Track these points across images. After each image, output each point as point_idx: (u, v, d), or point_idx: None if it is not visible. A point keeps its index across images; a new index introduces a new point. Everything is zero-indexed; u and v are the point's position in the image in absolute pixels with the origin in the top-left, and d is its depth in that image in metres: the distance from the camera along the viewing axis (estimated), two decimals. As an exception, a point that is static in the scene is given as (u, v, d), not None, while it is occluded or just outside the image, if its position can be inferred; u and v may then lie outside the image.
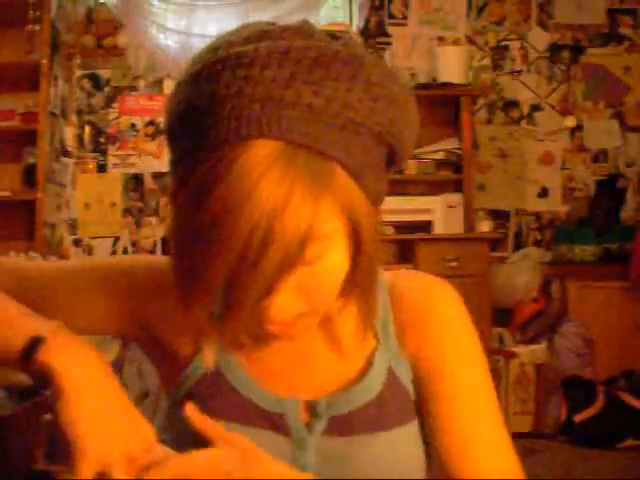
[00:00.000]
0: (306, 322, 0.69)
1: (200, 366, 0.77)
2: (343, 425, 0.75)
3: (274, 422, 0.75)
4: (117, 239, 4.19)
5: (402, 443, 0.76)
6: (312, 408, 0.76)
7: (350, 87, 0.62)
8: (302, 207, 0.60)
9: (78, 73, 4.21)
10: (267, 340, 0.75)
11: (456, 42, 4.21)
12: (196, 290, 0.64)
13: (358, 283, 0.69)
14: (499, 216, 4.19)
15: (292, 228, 0.59)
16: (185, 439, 0.66)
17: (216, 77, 0.61)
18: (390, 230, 3.52)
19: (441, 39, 4.24)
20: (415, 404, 0.78)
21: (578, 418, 3.34)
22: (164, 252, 4.17)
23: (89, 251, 4.17)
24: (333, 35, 0.66)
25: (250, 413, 0.75)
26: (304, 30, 0.65)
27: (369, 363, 0.77)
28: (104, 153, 4.21)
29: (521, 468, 0.77)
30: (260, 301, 0.63)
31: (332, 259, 0.64)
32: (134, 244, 4.19)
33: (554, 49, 4.26)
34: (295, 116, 0.60)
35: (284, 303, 0.65)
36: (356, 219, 0.64)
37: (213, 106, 0.61)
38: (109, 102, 4.22)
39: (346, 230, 0.65)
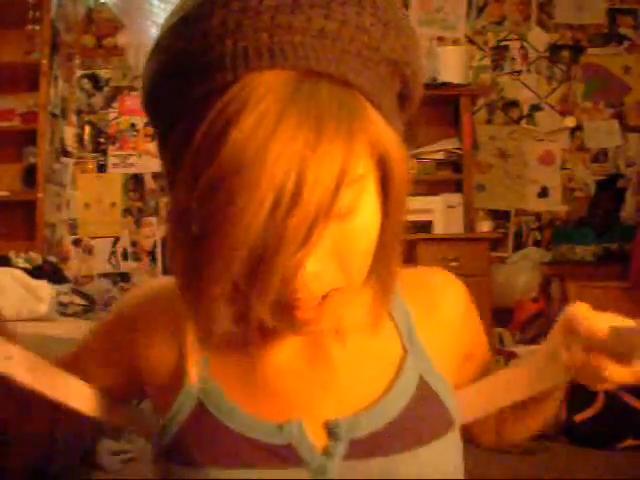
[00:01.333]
0: (337, 303, 0.59)
1: (184, 404, 0.68)
2: (367, 448, 0.67)
3: (280, 455, 0.65)
4: (117, 239, 4.19)
5: (443, 456, 0.69)
6: (332, 429, 0.67)
7: (359, 11, 0.54)
8: (334, 144, 0.51)
9: (78, 73, 4.21)
10: (274, 344, 0.68)
11: (456, 42, 4.21)
12: (217, 262, 0.52)
13: (385, 250, 0.60)
14: (499, 216, 4.19)
15: (326, 168, 0.50)
16: None
17: (207, 18, 0.52)
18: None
19: (441, 39, 4.24)
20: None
21: (578, 418, 3.34)
22: (164, 252, 4.17)
23: (89, 251, 4.17)
24: None
25: (247, 452, 0.65)
26: None
27: (397, 373, 0.70)
28: (104, 153, 4.22)
29: None
30: (292, 267, 0.53)
31: (365, 213, 0.56)
32: (134, 244, 4.19)
33: (554, 49, 4.26)
34: (309, 42, 0.52)
35: (318, 269, 0.55)
36: (387, 157, 0.56)
37: (209, 47, 0.52)
38: (109, 102, 4.22)
39: (376, 175, 0.57)
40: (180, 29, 0.54)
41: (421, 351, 0.72)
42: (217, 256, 0.52)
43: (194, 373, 0.69)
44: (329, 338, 0.70)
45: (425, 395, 0.70)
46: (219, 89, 0.52)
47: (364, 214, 0.56)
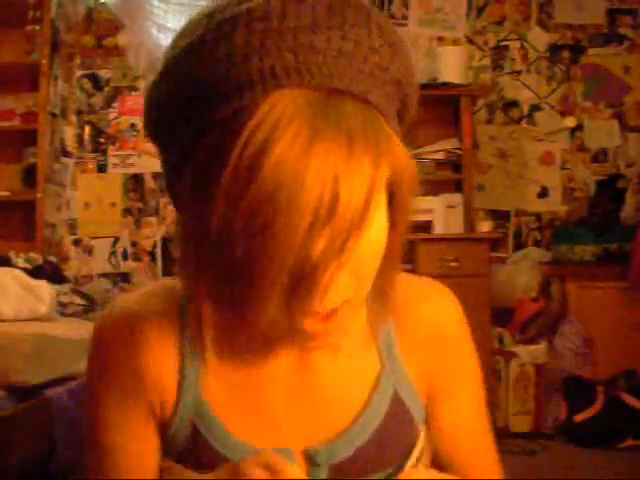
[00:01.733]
0: (346, 316, 0.60)
1: (180, 429, 0.69)
2: (346, 470, 0.69)
3: None
4: (117, 239, 4.19)
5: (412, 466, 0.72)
6: (311, 457, 0.69)
7: (368, 33, 0.56)
8: (364, 160, 0.53)
9: (78, 73, 4.21)
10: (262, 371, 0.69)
11: (456, 42, 4.21)
12: (261, 275, 0.54)
13: (387, 262, 0.60)
14: (499, 216, 4.19)
15: (357, 183, 0.52)
16: None
17: (229, 36, 0.53)
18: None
19: (441, 39, 4.24)
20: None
21: (578, 418, 3.34)
22: (164, 252, 4.17)
23: (89, 251, 4.17)
24: None
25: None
26: None
27: (373, 390, 0.71)
28: (104, 153, 4.22)
29: (500, 467, 0.82)
30: (326, 279, 0.54)
31: (377, 225, 0.57)
32: (134, 244, 4.19)
33: (554, 49, 4.26)
34: (329, 62, 0.54)
35: (341, 283, 0.56)
36: (400, 172, 0.58)
37: (234, 66, 0.53)
38: (109, 102, 4.22)
39: (387, 189, 0.58)
40: (198, 50, 0.55)
41: (398, 364, 0.73)
42: (261, 272, 0.53)
43: (188, 397, 0.69)
44: (317, 356, 0.71)
45: (397, 411, 0.72)
46: (247, 107, 0.53)
47: (377, 226, 0.57)
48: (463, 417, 0.78)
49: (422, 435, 0.75)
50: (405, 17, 4.27)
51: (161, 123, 0.60)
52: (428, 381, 0.75)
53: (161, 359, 0.69)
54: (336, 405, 0.71)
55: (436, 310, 0.75)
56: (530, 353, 3.58)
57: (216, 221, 0.53)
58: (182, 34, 0.59)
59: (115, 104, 4.22)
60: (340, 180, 0.52)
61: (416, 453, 0.74)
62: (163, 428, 0.71)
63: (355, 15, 0.56)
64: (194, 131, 0.56)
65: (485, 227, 3.92)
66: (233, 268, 0.55)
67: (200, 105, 0.55)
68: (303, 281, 0.55)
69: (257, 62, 0.53)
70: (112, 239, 4.19)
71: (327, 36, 0.54)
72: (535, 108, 4.24)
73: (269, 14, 0.54)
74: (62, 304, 2.95)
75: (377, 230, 0.57)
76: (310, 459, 0.69)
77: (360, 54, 0.56)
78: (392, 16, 4.26)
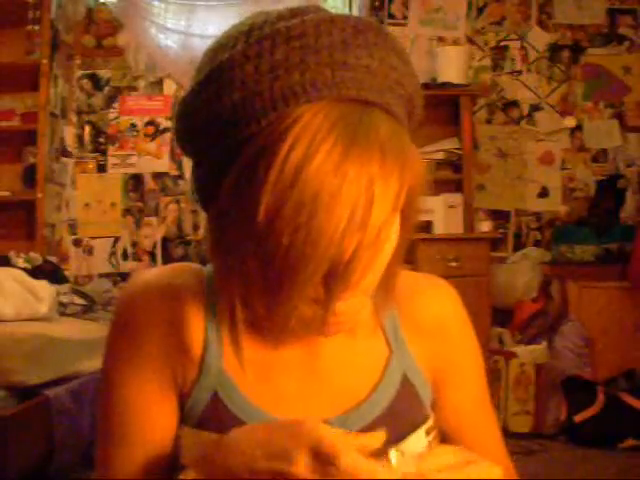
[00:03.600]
0: (359, 307, 0.67)
1: (200, 398, 0.73)
2: None
3: None
4: (117, 239, 4.19)
5: (418, 447, 0.75)
6: None
7: (387, 52, 0.63)
8: (395, 169, 0.59)
9: (78, 73, 4.21)
10: (278, 352, 0.74)
11: (456, 42, 4.21)
12: (301, 270, 0.59)
13: (393, 260, 0.66)
14: (499, 216, 4.19)
15: (389, 190, 0.59)
16: None
17: (270, 51, 0.60)
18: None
19: (441, 39, 4.24)
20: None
21: (578, 418, 3.34)
22: (164, 252, 4.17)
23: (89, 251, 4.17)
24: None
25: None
26: (313, 7, 0.66)
27: (383, 372, 0.77)
28: (104, 153, 4.21)
29: (506, 453, 0.87)
30: (354, 275, 0.61)
31: (393, 228, 0.64)
32: (134, 244, 4.19)
33: (554, 49, 4.26)
34: (360, 77, 0.61)
35: (368, 279, 0.64)
36: (416, 181, 0.63)
37: (277, 78, 0.59)
38: (109, 102, 4.22)
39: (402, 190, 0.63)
40: (241, 63, 0.60)
41: (405, 350, 0.78)
42: (302, 263, 0.59)
43: (212, 364, 0.73)
44: (331, 339, 0.74)
45: (407, 392, 0.77)
46: (291, 114, 0.59)
47: (393, 227, 0.64)
48: (467, 403, 0.83)
49: (431, 418, 0.79)
50: (405, 17, 4.27)
51: (202, 129, 0.63)
52: (433, 368, 0.80)
53: (188, 328, 0.73)
54: (348, 384, 0.76)
55: (436, 302, 0.81)
56: (530, 353, 3.58)
57: (263, 216, 0.58)
58: (219, 47, 0.64)
59: (115, 104, 4.22)
60: (374, 187, 0.57)
61: (424, 428, 0.77)
62: (182, 397, 0.74)
63: (376, 36, 0.63)
64: (241, 134, 0.61)
65: (485, 227, 3.92)
66: (272, 259, 0.60)
67: (247, 112, 0.60)
68: (337, 276, 0.60)
69: (298, 75, 0.59)
70: (112, 239, 4.19)
71: (356, 54, 0.61)
72: (535, 108, 4.25)
73: (306, 32, 0.60)
74: (62, 304, 2.95)
75: (391, 234, 0.63)
76: None
77: (383, 71, 0.62)
78: (392, 16, 4.26)
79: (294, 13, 0.64)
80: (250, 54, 0.60)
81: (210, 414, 0.72)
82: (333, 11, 0.67)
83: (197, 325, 0.74)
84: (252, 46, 0.60)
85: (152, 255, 4.19)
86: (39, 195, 3.71)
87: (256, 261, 0.61)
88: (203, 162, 0.66)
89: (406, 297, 0.78)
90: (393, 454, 0.64)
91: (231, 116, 0.60)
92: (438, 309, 0.81)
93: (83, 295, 3.22)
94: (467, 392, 0.83)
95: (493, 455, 0.81)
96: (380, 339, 0.78)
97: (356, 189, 0.57)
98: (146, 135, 4.22)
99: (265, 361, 0.74)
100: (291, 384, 0.75)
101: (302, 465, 0.60)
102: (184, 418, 0.74)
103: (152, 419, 0.74)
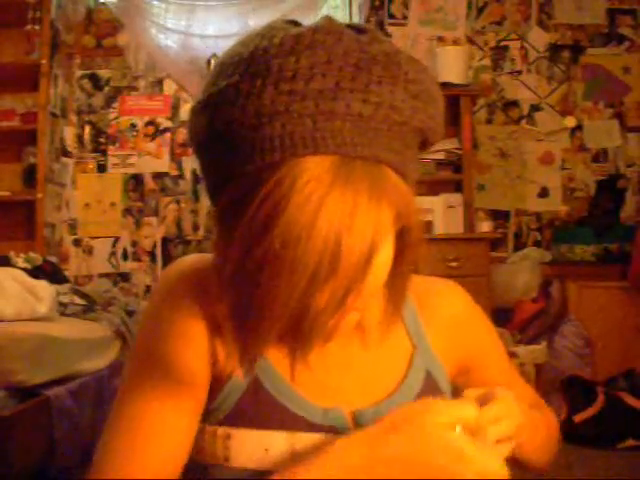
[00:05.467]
0: (352, 320, 0.69)
1: (239, 384, 0.73)
2: None
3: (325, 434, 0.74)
4: (117, 239, 4.19)
5: None
6: (357, 418, 0.75)
7: (392, 89, 0.62)
8: (366, 221, 0.59)
9: (78, 73, 4.21)
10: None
11: (456, 42, 4.20)
12: (263, 317, 0.62)
13: (398, 275, 0.69)
14: (499, 216, 4.19)
15: (360, 243, 0.59)
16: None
17: (258, 93, 0.60)
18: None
19: (441, 39, 4.24)
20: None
21: (578, 418, 3.34)
22: (164, 252, 4.17)
23: (89, 251, 4.17)
24: (357, 28, 0.65)
25: (299, 426, 0.73)
26: (333, 30, 0.63)
27: (408, 367, 0.80)
28: (104, 153, 4.21)
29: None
30: (332, 313, 0.64)
31: (383, 253, 0.64)
32: (134, 244, 4.19)
33: (554, 49, 4.26)
34: (347, 127, 0.60)
35: (345, 322, 0.67)
36: (407, 215, 0.64)
37: (260, 125, 0.60)
38: (109, 102, 4.22)
39: (395, 225, 0.64)
40: (231, 100, 0.61)
41: (427, 348, 0.82)
42: (264, 314, 0.61)
43: None
44: (355, 337, 0.78)
45: (431, 388, 0.79)
46: (267, 167, 0.60)
47: (382, 254, 0.63)
48: (498, 377, 0.88)
49: None
50: (405, 17, 4.27)
51: (198, 145, 0.67)
52: (457, 359, 0.85)
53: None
54: (376, 379, 0.78)
55: (451, 300, 0.86)
56: (530, 353, 3.58)
57: (231, 263, 0.61)
58: (224, 68, 0.64)
59: (115, 104, 4.22)
60: (342, 239, 0.58)
61: None
62: (218, 381, 0.73)
63: (382, 71, 0.61)
64: (222, 173, 0.63)
65: (485, 227, 3.92)
66: (245, 298, 0.63)
67: (229, 154, 0.62)
68: (304, 327, 0.63)
69: (279, 126, 0.59)
70: (112, 239, 4.19)
71: (347, 102, 0.60)
72: (535, 108, 4.25)
73: (296, 75, 0.59)
74: (62, 304, 2.95)
75: (383, 258, 0.64)
76: (357, 420, 0.75)
77: (380, 115, 0.61)
78: (392, 16, 4.26)
79: (298, 41, 0.61)
80: (242, 91, 0.60)
81: (249, 399, 0.73)
82: (340, 18, 0.65)
83: None
84: (245, 81, 0.61)
85: (152, 255, 4.19)
86: (39, 195, 3.72)
87: (233, 285, 0.64)
88: (204, 173, 0.68)
89: (424, 298, 0.83)
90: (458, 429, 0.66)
91: (218, 149, 0.63)
92: (453, 306, 0.85)
93: (83, 295, 3.22)
94: (495, 369, 0.89)
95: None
96: (404, 337, 0.81)
97: (323, 241, 0.58)
98: (146, 135, 4.22)
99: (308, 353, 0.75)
100: (328, 374, 0.77)
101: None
102: (220, 403, 0.73)
103: (172, 413, 0.72)
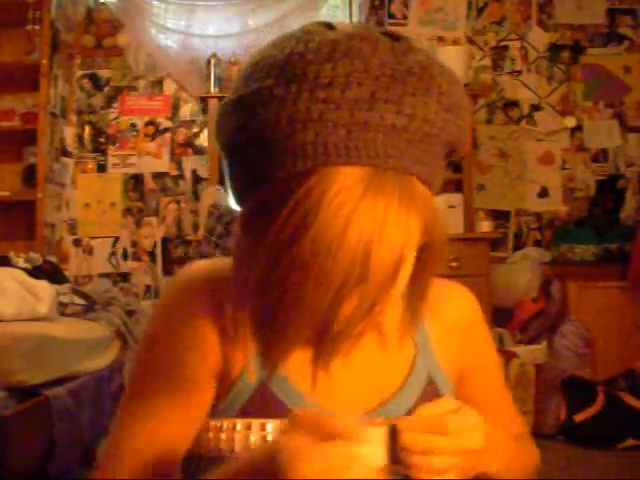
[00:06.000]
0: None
1: (247, 385, 0.74)
2: None
3: None
4: (117, 239, 4.19)
5: None
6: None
7: (426, 101, 0.62)
8: (396, 231, 0.60)
9: (78, 73, 4.21)
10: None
11: (456, 42, 4.21)
12: (289, 324, 0.63)
13: (419, 284, 0.70)
14: (499, 216, 4.19)
15: (389, 253, 0.60)
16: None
17: (294, 99, 0.59)
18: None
19: (441, 39, 4.24)
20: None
21: (578, 418, 3.34)
22: (164, 252, 4.17)
23: (89, 251, 4.17)
24: (393, 36, 0.65)
25: None
26: (370, 37, 0.62)
27: (410, 370, 0.80)
28: (104, 153, 4.21)
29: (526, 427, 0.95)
30: (360, 321, 0.64)
31: (408, 264, 0.65)
32: (134, 244, 4.19)
33: (554, 49, 4.26)
34: (380, 139, 0.60)
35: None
36: (433, 227, 0.65)
37: (294, 132, 0.59)
38: (109, 102, 4.22)
39: (422, 236, 0.65)
40: (266, 102, 0.60)
41: (431, 352, 0.81)
42: (289, 321, 0.62)
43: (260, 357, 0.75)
44: (366, 342, 0.77)
45: (432, 392, 0.79)
46: (298, 174, 0.60)
47: (407, 264, 0.64)
48: (490, 392, 0.88)
49: None
50: (405, 17, 4.27)
51: (226, 144, 0.66)
52: (459, 366, 0.84)
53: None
54: (378, 382, 0.78)
55: (459, 306, 0.86)
56: (530, 353, 3.58)
57: (258, 269, 0.62)
58: (257, 69, 0.63)
59: (115, 104, 4.22)
60: (372, 250, 0.59)
61: None
62: (225, 384, 0.74)
63: (417, 83, 0.61)
64: (251, 177, 0.63)
65: (485, 227, 3.92)
66: (271, 304, 0.63)
67: (260, 158, 0.61)
68: (330, 334, 0.63)
69: (312, 135, 0.59)
70: (112, 239, 4.19)
71: (381, 113, 0.59)
72: (535, 108, 4.25)
73: (333, 83, 0.59)
74: (62, 304, 2.95)
75: (406, 271, 0.65)
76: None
77: (413, 126, 0.61)
78: (392, 16, 4.26)
79: (335, 47, 0.61)
80: (276, 96, 0.60)
81: (256, 400, 0.73)
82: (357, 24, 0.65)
83: None
84: (280, 85, 0.60)
85: (152, 255, 4.19)
86: (39, 195, 3.71)
87: (257, 295, 0.64)
88: (230, 175, 0.68)
89: (432, 302, 0.81)
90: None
91: (248, 153, 0.63)
92: (461, 312, 0.85)
93: (83, 295, 3.22)
94: (488, 387, 0.88)
95: (514, 428, 0.89)
96: (409, 343, 0.81)
97: (352, 252, 0.58)
98: (146, 135, 4.22)
99: (308, 354, 0.74)
100: (332, 376, 0.76)
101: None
102: (226, 406, 0.74)
103: (181, 405, 0.74)
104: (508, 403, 0.92)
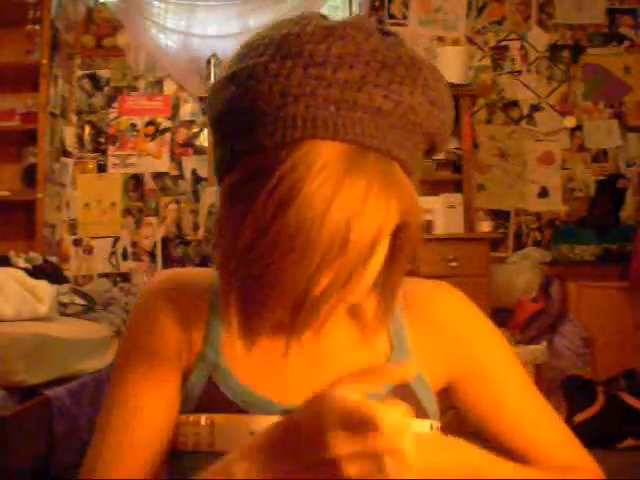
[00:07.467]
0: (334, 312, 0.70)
1: (197, 382, 0.77)
2: None
3: None
4: (117, 239, 4.19)
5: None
6: None
7: (412, 90, 0.64)
8: (376, 209, 0.62)
9: (78, 73, 4.21)
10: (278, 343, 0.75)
11: (456, 42, 4.21)
12: (269, 297, 0.64)
13: (392, 273, 0.70)
14: (499, 216, 4.19)
15: (368, 229, 0.62)
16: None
17: (287, 74, 0.62)
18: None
19: (441, 39, 4.24)
20: (446, 402, 0.82)
21: (578, 418, 3.34)
22: (164, 252, 4.17)
23: (89, 251, 4.17)
24: (385, 31, 0.67)
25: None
26: (364, 27, 0.65)
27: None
28: (104, 153, 4.22)
29: (571, 434, 0.86)
30: (332, 297, 0.65)
31: (384, 246, 0.66)
32: (134, 244, 4.19)
33: (554, 49, 4.26)
34: (366, 119, 0.62)
35: (339, 310, 0.69)
36: (411, 211, 0.66)
37: (285, 104, 0.62)
38: (109, 102, 4.22)
39: (400, 218, 0.66)
40: (260, 77, 0.63)
41: (406, 350, 0.80)
42: (269, 293, 0.63)
43: (209, 355, 0.78)
44: (332, 338, 0.78)
45: (402, 391, 0.76)
46: (285, 144, 0.62)
47: (383, 244, 0.66)
48: (506, 394, 0.83)
49: (435, 419, 0.81)
50: (405, 17, 4.27)
51: (219, 120, 0.68)
52: (445, 370, 0.82)
53: (192, 319, 0.79)
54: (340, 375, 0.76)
55: (446, 306, 0.84)
56: (530, 353, 3.57)
57: (243, 239, 0.63)
58: (253, 47, 0.66)
59: (115, 104, 4.22)
60: (352, 225, 0.60)
61: (427, 422, 0.79)
62: (183, 381, 0.78)
63: (405, 72, 0.64)
64: (245, 143, 0.64)
65: (485, 227, 3.92)
66: (253, 276, 0.64)
67: (252, 126, 0.63)
68: (304, 310, 0.64)
69: (303, 107, 0.61)
70: (112, 239, 4.19)
71: (370, 95, 0.62)
72: (535, 108, 4.25)
73: (326, 62, 0.62)
74: (62, 304, 2.95)
75: (381, 252, 0.66)
76: None
77: (398, 112, 0.64)
78: (392, 16, 4.26)
79: (331, 32, 0.64)
80: (271, 71, 0.62)
81: (206, 398, 0.76)
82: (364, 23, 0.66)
83: (199, 322, 0.79)
84: (275, 61, 0.63)
85: (152, 255, 4.19)
86: (39, 195, 3.72)
87: (242, 265, 0.65)
88: (218, 146, 0.69)
89: (411, 299, 0.82)
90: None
91: (240, 123, 0.64)
92: (449, 312, 0.83)
93: (83, 295, 3.22)
94: (503, 384, 0.84)
95: (551, 443, 0.82)
96: (383, 338, 0.80)
97: (335, 226, 0.60)
98: (146, 135, 4.22)
99: (267, 349, 0.76)
100: (292, 371, 0.77)
101: (338, 446, 0.55)
102: (182, 405, 0.77)
103: (152, 406, 0.77)
104: (534, 408, 0.85)
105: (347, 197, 0.60)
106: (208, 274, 0.83)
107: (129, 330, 0.82)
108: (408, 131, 0.65)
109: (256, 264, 0.63)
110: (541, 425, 0.84)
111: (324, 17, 0.69)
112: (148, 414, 0.76)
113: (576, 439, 0.85)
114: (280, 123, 0.62)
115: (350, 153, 0.62)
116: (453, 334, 0.82)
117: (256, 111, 0.63)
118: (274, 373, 0.77)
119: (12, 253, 3.15)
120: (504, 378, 0.84)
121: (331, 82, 0.62)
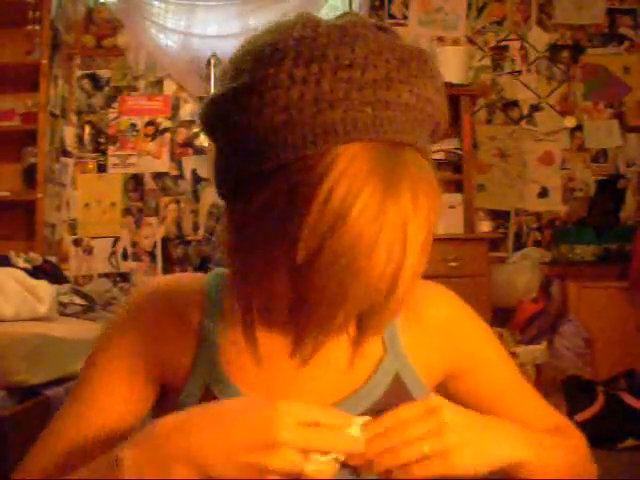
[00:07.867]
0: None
1: (192, 393, 0.77)
2: None
3: None
4: (117, 239, 4.19)
5: None
6: None
7: (425, 82, 0.64)
8: (427, 208, 0.63)
9: (78, 73, 4.21)
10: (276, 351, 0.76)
11: (456, 42, 4.21)
12: (332, 307, 0.62)
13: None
14: (499, 216, 4.19)
15: (421, 231, 0.63)
16: None
17: (317, 80, 0.60)
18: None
19: (441, 39, 4.24)
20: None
21: (578, 418, 3.34)
22: (164, 252, 4.17)
23: (89, 251, 4.17)
24: (380, 26, 0.67)
25: None
26: (369, 25, 0.65)
27: (373, 371, 0.79)
28: (104, 153, 4.21)
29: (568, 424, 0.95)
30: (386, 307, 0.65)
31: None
32: (134, 244, 4.19)
33: (554, 49, 4.26)
34: (398, 116, 0.62)
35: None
36: (436, 213, 0.67)
37: (320, 111, 0.60)
38: (109, 102, 4.22)
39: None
40: (286, 85, 0.60)
41: (400, 353, 0.81)
42: (332, 309, 0.62)
43: (204, 363, 0.77)
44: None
45: (398, 391, 0.79)
46: (326, 151, 0.60)
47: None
48: (500, 385, 0.88)
49: None
50: (405, 17, 4.27)
51: (234, 130, 0.64)
52: (440, 369, 0.84)
53: (184, 328, 0.79)
54: (340, 379, 0.78)
55: (438, 306, 0.85)
56: (530, 353, 3.58)
57: (302, 256, 0.60)
58: (265, 54, 0.62)
59: (115, 104, 4.22)
60: (408, 229, 0.61)
61: None
62: (173, 392, 0.78)
63: (417, 66, 0.64)
64: (276, 158, 0.61)
65: (485, 227, 3.92)
66: (303, 293, 0.62)
67: (286, 138, 0.60)
68: (371, 316, 0.66)
69: (342, 113, 0.60)
70: (112, 239, 4.19)
71: (398, 91, 0.62)
72: (535, 108, 4.25)
73: (354, 64, 0.61)
74: (62, 304, 2.95)
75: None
76: None
77: (419, 106, 0.64)
78: (392, 16, 4.26)
79: (344, 32, 0.63)
80: (297, 77, 0.60)
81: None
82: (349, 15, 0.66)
83: (191, 325, 0.79)
84: (300, 68, 0.60)
85: (152, 255, 4.19)
86: (39, 195, 3.71)
87: (286, 283, 0.63)
88: (226, 155, 0.66)
89: (410, 307, 0.80)
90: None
91: (269, 136, 0.61)
92: (441, 311, 0.84)
93: (83, 295, 3.22)
94: (494, 379, 0.88)
95: (542, 421, 0.90)
96: (376, 340, 0.80)
97: (392, 234, 0.60)
98: (146, 135, 4.22)
99: (265, 355, 0.76)
100: (287, 378, 0.77)
101: (286, 432, 0.62)
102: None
103: (117, 408, 0.78)
104: (527, 397, 0.92)
105: (401, 201, 0.60)
106: (197, 279, 0.83)
107: (111, 326, 0.83)
108: (426, 123, 0.65)
109: (313, 279, 0.60)
110: (537, 411, 0.92)
111: (317, 17, 0.67)
112: (96, 414, 0.78)
113: (557, 412, 0.98)
114: (319, 130, 0.60)
115: (390, 151, 0.61)
116: (446, 332, 0.84)
117: (288, 121, 0.60)
118: (269, 380, 0.77)
119: (12, 253, 3.14)
120: (497, 371, 0.88)
121: (362, 84, 0.61)
